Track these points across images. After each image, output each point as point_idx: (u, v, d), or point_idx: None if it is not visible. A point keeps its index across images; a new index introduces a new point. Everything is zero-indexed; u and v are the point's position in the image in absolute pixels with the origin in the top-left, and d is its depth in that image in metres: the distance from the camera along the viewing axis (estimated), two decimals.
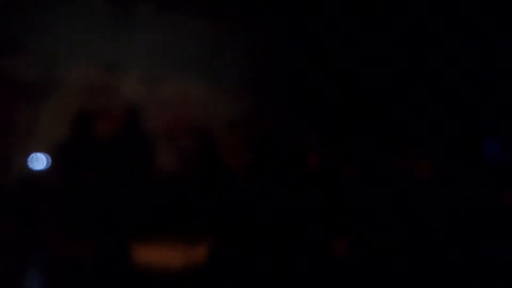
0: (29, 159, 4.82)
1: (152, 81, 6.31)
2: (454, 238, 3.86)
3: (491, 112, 5.89)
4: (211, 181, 4.74)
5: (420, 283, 3.49)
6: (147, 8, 6.28)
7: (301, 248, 3.82)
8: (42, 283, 3.77)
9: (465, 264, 3.58)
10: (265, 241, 3.82)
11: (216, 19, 6.70)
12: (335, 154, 4.89)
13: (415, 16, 6.41)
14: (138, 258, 4.02)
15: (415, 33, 6.38)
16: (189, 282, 3.73)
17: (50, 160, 4.70)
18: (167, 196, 4.70)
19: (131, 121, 4.74)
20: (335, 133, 5.38)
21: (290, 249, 3.80)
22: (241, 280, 3.58)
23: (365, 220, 4.22)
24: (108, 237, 3.95)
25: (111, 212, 4.12)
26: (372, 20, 6.55)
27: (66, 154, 4.44)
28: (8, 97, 5.48)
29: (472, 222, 3.95)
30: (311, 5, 6.74)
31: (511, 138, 5.55)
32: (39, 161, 4.76)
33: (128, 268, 3.82)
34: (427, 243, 3.84)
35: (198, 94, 6.63)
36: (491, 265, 3.54)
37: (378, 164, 4.75)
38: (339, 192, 4.27)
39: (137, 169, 4.51)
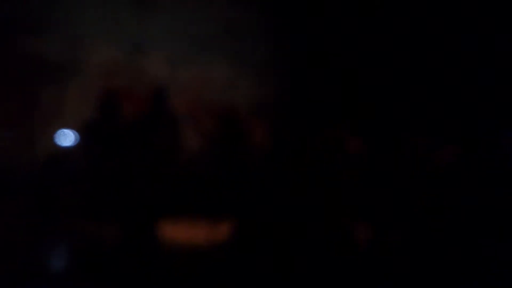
0: (56, 135, 4.91)
1: (176, 62, 6.37)
2: (454, 237, 3.86)
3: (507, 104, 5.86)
4: (234, 162, 4.77)
5: (420, 283, 3.48)
6: None
7: (318, 229, 3.82)
8: (67, 262, 3.76)
9: (465, 264, 3.58)
10: (285, 221, 3.82)
11: (236, 1, 6.75)
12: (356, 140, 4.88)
13: None
14: (163, 236, 4.04)
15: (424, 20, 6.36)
16: (213, 260, 3.73)
17: (77, 137, 4.78)
18: (191, 176, 4.73)
19: (155, 101, 4.77)
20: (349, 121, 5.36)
21: (307, 231, 3.80)
22: (263, 259, 3.57)
23: (369, 216, 4.23)
24: (133, 216, 3.95)
25: (136, 191, 4.13)
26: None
27: (92, 133, 4.48)
28: (36, 76, 5.56)
29: (472, 221, 3.95)
30: None
31: None
32: (66, 138, 4.87)
33: (154, 247, 3.82)
34: (427, 243, 3.84)
35: (222, 76, 6.68)
36: (491, 265, 3.53)
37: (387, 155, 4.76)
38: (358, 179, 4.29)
39: (162, 149, 4.53)
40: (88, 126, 4.56)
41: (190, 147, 6.09)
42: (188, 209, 4.69)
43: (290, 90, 6.92)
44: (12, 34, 5.52)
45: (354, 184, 4.37)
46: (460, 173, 4.44)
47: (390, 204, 4.44)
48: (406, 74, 6.40)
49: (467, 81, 6.06)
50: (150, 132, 4.62)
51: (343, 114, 5.75)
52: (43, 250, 3.89)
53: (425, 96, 6.15)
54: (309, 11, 6.98)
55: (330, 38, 6.92)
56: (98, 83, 5.83)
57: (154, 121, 4.76)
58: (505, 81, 5.91)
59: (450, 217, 4.08)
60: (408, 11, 6.61)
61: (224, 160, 5.00)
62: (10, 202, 4.69)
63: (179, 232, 4.30)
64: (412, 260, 3.69)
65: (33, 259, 3.61)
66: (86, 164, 4.60)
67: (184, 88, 6.40)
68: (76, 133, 4.90)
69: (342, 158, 4.65)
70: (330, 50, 6.90)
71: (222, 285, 3.34)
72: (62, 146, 4.93)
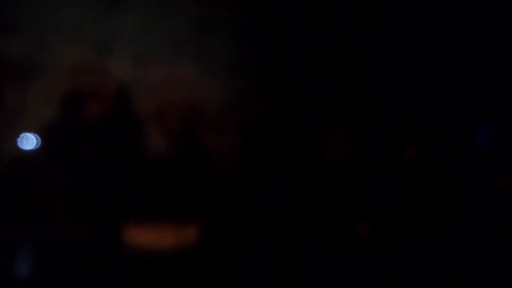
0: (19, 139, 4.80)
1: (141, 62, 6.29)
2: (454, 237, 3.86)
3: (485, 97, 5.89)
4: (201, 164, 4.72)
5: (420, 283, 3.49)
6: None
7: (293, 237, 3.81)
8: (31, 266, 3.72)
9: (465, 264, 3.58)
10: (254, 223, 3.80)
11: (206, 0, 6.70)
12: (331, 138, 4.87)
13: None
14: (128, 239, 4.00)
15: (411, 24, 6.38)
16: (179, 263, 3.70)
17: (39, 140, 4.68)
18: (157, 178, 4.67)
19: (120, 102, 4.73)
20: (331, 117, 5.35)
21: (279, 236, 3.79)
22: (231, 261, 3.56)
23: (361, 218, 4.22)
24: (98, 219, 3.92)
25: (101, 194, 4.08)
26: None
27: (55, 134, 4.43)
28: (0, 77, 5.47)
29: (472, 221, 3.95)
30: None
31: (504, 122, 5.55)
32: (29, 141, 4.74)
33: (119, 250, 3.79)
34: (427, 243, 3.85)
35: (187, 76, 6.62)
36: (491, 265, 3.54)
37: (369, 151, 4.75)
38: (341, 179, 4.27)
39: (127, 151, 4.49)
40: (52, 127, 4.49)
41: (157, 148, 6.01)
42: (155, 211, 4.61)
43: (259, 89, 6.89)
44: None
45: (338, 183, 4.35)
46: (460, 172, 4.45)
47: (389, 203, 4.45)
48: (388, 72, 6.43)
49: (463, 80, 6.08)
50: (116, 133, 4.59)
51: (317, 111, 5.73)
52: (7, 254, 3.83)
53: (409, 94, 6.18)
54: (279, 8, 6.95)
55: (301, 35, 6.89)
56: (63, 84, 5.68)
57: (120, 122, 4.73)
58: (496, 79, 5.94)
59: (449, 217, 4.08)
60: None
61: (191, 161, 4.95)
62: None
63: (145, 234, 4.24)
64: (412, 260, 3.69)
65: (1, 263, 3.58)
66: (50, 167, 4.52)
67: (151, 88, 6.33)
68: (40, 136, 4.77)
69: (319, 157, 4.65)
70: (302, 47, 6.87)
71: None
72: (25, 150, 4.77)
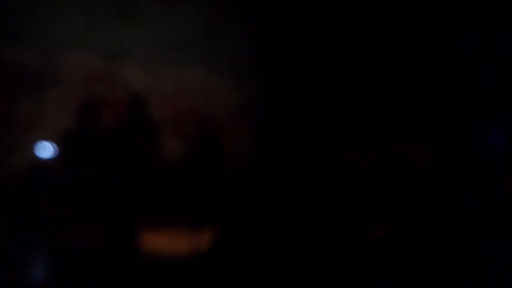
0: (36, 147, 4.91)
1: (154, 69, 6.37)
2: (454, 237, 3.87)
3: (492, 101, 5.91)
4: (214, 168, 4.75)
5: (420, 283, 3.49)
6: None
7: (306, 235, 3.82)
8: (47, 273, 3.74)
9: (465, 264, 3.59)
10: (269, 229, 3.80)
11: (216, 6, 6.77)
12: (337, 142, 4.87)
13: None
14: (143, 245, 4.02)
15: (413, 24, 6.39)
16: (195, 268, 3.71)
17: (56, 148, 4.76)
18: (172, 184, 4.70)
19: (134, 109, 4.76)
20: (337, 121, 5.36)
21: (291, 239, 3.79)
22: (246, 267, 3.56)
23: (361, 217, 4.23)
24: (113, 225, 3.94)
25: (116, 200, 4.11)
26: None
27: (71, 142, 4.47)
28: (14, 87, 5.57)
29: (472, 221, 3.96)
30: None
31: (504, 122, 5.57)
32: (46, 149, 4.84)
33: (135, 256, 3.81)
34: (427, 242, 3.85)
35: (200, 82, 6.71)
36: (491, 265, 3.55)
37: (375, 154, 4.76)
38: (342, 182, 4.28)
39: (141, 157, 4.52)
40: (68, 135, 4.53)
41: (171, 153, 6.07)
42: (170, 215, 4.64)
43: (270, 94, 6.95)
44: None
45: (343, 185, 4.36)
46: (459, 172, 4.45)
47: (390, 204, 4.45)
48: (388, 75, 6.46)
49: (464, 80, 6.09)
50: (130, 139, 4.62)
51: (326, 115, 5.76)
52: (25, 258, 3.86)
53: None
54: (287, 15, 7.01)
55: (308, 41, 6.95)
56: (77, 92, 5.72)
57: (134, 128, 4.76)
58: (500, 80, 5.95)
59: (449, 217, 4.09)
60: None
61: (205, 165, 4.98)
62: None
63: (161, 240, 4.26)
64: (412, 260, 3.70)
65: (16, 268, 3.59)
66: (66, 173, 4.57)
67: (163, 95, 6.41)
68: (55, 143, 4.85)
69: (327, 160, 4.65)
70: (310, 53, 6.93)
71: None
72: (42, 157, 4.88)
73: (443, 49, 6.14)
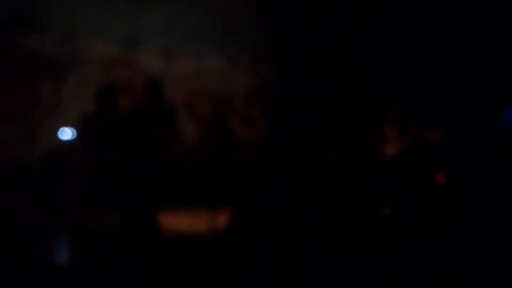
0: (56, 132, 5.21)
1: (170, 55, 6.48)
2: (454, 237, 3.88)
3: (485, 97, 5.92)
4: (230, 152, 4.79)
5: (420, 283, 3.50)
6: None
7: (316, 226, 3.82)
8: (67, 254, 3.77)
9: (465, 264, 3.59)
10: (282, 210, 3.81)
11: None
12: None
13: None
14: (162, 226, 4.05)
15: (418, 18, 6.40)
16: (212, 249, 3.72)
17: (76, 131, 4.96)
18: (189, 167, 4.73)
19: (152, 93, 4.77)
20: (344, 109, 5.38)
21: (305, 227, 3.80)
22: (261, 248, 3.56)
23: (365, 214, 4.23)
24: (132, 208, 3.96)
25: (135, 183, 4.15)
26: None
27: (91, 125, 4.54)
28: (35, 72, 5.69)
29: (472, 221, 3.97)
30: None
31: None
32: (65, 134, 5.13)
33: (153, 237, 3.83)
34: (427, 242, 3.86)
35: (215, 67, 6.82)
36: (491, 265, 3.55)
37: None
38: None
39: (160, 140, 4.55)
40: (87, 119, 4.59)
41: (188, 137, 6.20)
42: (187, 199, 4.73)
43: (284, 80, 7.03)
44: (9, 30, 5.55)
45: (353, 180, 4.38)
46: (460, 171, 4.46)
47: (390, 202, 4.46)
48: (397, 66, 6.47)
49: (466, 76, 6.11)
50: (148, 123, 4.65)
51: (336, 106, 5.78)
52: (46, 242, 3.91)
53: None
54: (302, 5, 7.04)
55: (324, 33, 6.98)
56: (96, 77, 5.92)
57: (151, 113, 4.78)
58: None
59: (449, 216, 4.10)
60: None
61: (221, 149, 5.04)
62: (12, 197, 4.72)
63: (179, 222, 4.33)
64: (412, 260, 3.70)
65: (37, 251, 3.61)
66: (86, 157, 4.64)
67: (180, 80, 6.52)
68: (75, 128, 4.98)
69: (339, 150, 4.66)
70: (324, 44, 6.96)
71: (222, 275, 3.34)
72: (61, 141, 5.07)
73: (443, 49, 6.14)
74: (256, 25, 7.09)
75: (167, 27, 6.49)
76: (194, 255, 3.66)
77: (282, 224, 3.68)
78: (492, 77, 5.95)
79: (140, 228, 4.04)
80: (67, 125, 5.21)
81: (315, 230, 3.79)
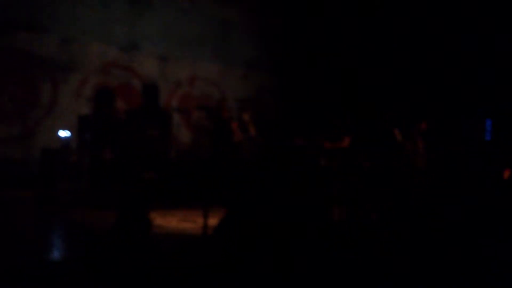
0: (55, 131, 5.31)
1: (167, 59, 6.62)
2: (454, 237, 3.87)
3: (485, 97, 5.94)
4: (223, 155, 4.84)
5: (420, 283, 3.49)
6: None
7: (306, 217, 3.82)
8: (63, 251, 3.77)
9: (465, 264, 3.58)
10: (275, 211, 3.81)
11: (225, 2, 7.00)
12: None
13: None
14: (154, 227, 4.05)
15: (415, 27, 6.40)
16: (204, 250, 3.72)
17: (74, 131, 5.07)
18: (182, 169, 4.77)
19: (148, 96, 4.80)
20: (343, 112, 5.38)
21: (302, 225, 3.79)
22: (253, 247, 3.55)
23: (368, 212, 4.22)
24: (126, 207, 3.97)
25: (130, 184, 4.17)
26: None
27: (89, 126, 4.60)
28: (34, 74, 5.83)
29: (472, 221, 3.95)
30: None
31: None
32: (63, 133, 5.21)
33: (145, 236, 3.82)
34: (427, 242, 3.85)
35: (211, 72, 6.94)
36: (491, 265, 3.54)
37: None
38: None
39: (155, 142, 4.58)
40: (85, 120, 4.64)
41: (182, 139, 6.28)
42: (180, 199, 4.76)
43: (277, 86, 7.11)
44: (10, 33, 5.59)
45: (353, 180, 4.37)
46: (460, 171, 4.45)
47: (390, 202, 4.45)
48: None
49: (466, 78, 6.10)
50: (144, 126, 4.68)
51: (331, 110, 5.79)
52: (45, 237, 3.91)
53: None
54: (295, 12, 7.10)
55: (314, 38, 7.04)
56: (93, 81, 6.00)
57: (147, 116, 4.82)
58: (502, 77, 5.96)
59: (450, 216, 4.09)
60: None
61: (214, 152, 5.07)
62: (11, 194, 4.75)
63: (171, 222, 4.34)
64: (412, 259, 3.69)
65: (36, 246, 3.61)
66: (83, 157, 4.69)
67: (175, 84, 6.63)
68: (73, 128, 5.06)
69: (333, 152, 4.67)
70: (317, 49, 7.02)
71: (216, 275, 3.34)
72: (60, 140, 5.11)
73: (443, 49, 6.14)
74: (251, 32, 7.23)
75: (164, 33, 6.68)
76: (190, 255, 3.66)
77: (282, 224, 3.68)
78: (492, 79, 5.95)
79: (136, 227, 4.04)
80: (65, 125, 5.26)
81: (315, 230, 3.78)
